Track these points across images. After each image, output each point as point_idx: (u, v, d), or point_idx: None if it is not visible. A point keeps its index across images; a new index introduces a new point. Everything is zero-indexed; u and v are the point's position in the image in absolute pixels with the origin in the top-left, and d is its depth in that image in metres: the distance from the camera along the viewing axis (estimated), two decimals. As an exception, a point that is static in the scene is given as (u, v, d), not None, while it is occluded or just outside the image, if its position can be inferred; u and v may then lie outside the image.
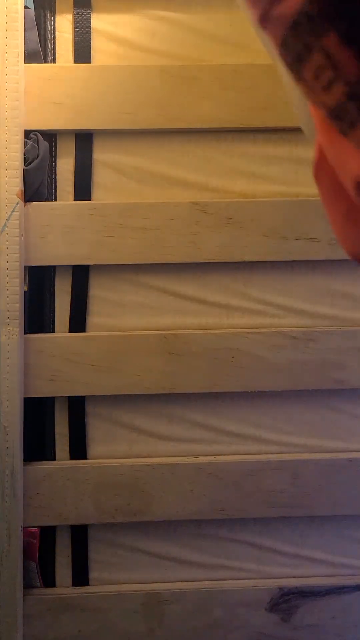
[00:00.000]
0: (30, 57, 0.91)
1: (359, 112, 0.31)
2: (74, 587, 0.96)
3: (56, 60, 0.93)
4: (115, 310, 0.95)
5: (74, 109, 0.91)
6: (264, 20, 0.33)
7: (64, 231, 0.91)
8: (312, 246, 0.93)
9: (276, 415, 0.98)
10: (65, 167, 0.94)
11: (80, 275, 0.94)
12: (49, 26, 0.92)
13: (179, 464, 0.95)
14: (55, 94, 0.90)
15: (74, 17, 0.92)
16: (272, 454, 0.98)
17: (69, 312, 0.95)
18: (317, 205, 0.93)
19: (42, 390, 0.93)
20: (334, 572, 1.00)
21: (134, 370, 0.93)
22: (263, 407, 0.98)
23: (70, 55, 0.93)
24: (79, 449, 0.96)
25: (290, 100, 0.50)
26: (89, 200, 0.94)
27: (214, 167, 0.95)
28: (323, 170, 0.39)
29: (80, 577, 0.97)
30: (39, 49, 0.92)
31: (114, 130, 0.92)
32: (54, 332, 0.95)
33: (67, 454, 0.96)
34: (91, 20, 0.92)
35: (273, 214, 0.93)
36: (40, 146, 0.90)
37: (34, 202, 0.91)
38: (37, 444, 0.96)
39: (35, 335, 0.93)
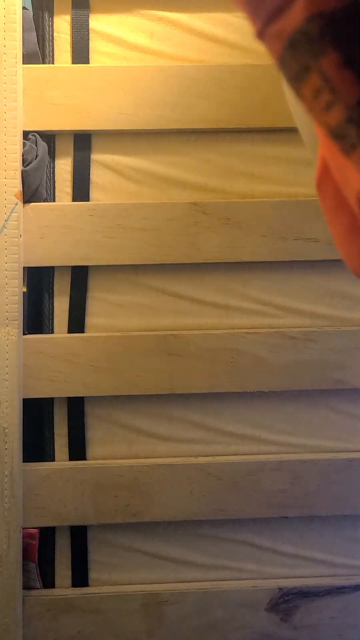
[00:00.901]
0: (29, 58, 0.91)
1: (359, 135, 0.31)
2: (73, 588, 0.96)
3: (54, 61, 0.93)
4: (114, 311, 0.95)
5: (72, 109, 0.91)
6: (262, 35, 0.33)
7: (62, 232, 0.91)
8: (311, 246, 0.93)
9: (275, 416, 0.98)
10: (64, 167, 0.94)
11: (79, 275, 0.94)
12: (47, 27, 0.93)
13: (178, 465, 0.95)
14: (54, 95, 0.90)
15: (72, 18, 0.92)
16: (271, 454, 0.98)
17: (67, 312, 0.95)
18: (316, 205, 0.93)
19: (42, 391, 0.93)
20: (333, 572, 1.00)
21: (133, 371, 0.93)
22: (262, 408, 0.98)
23: (68, 56, 0.93)
24: (78, 450, 0.96)
25: (293, 112, 0.49)
26: (88, 200, 0.94)
27: (213, 167, 0.95)
28: (326, 183, 0.39)
29: (80, 577, 0.97)
30: (37, 50, 0.92)
31: (112, 130, 0.92)
32: (53, 332, 0.95)
33: (67, 455, 0.96)
34: (89, 21, 0.92)
35: (272, 214, 0.93)
36: (39, 147, 0.90)
37: (33, 203, 0.91)
38: (36, 445, 0.96)
39: (34, 336, 0.93)
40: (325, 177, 0.38)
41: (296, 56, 0.31)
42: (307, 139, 0.45)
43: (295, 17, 0.30)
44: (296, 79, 0.32)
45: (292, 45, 0.31)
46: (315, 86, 0.31)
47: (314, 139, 0.41)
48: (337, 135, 0.31)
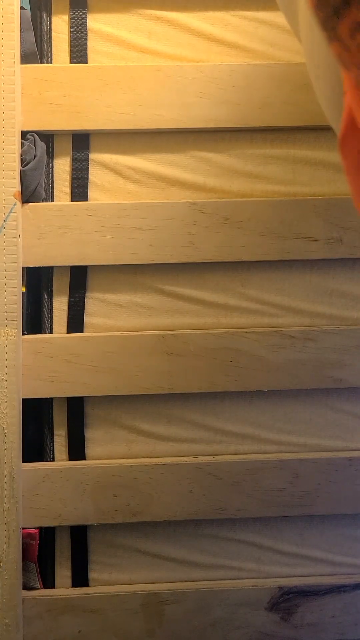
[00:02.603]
0: (27, 58, 0.91)
1: None
2: (73, 588, 0.96)
3: (52, 61, 0.93)
4: (113, 311, 0.95)
5: (71, 109, 0.91)
6: None
7: (61, 232, 0.91)
8: (310, 245, 0.93)
9: (275, 415, 0.98)
10: (62, 167, 0.94)
11: (78, 275, 0.94)
12: (45, 27, 0.92)
13: (178, 464, 0.95)
14: (52, 95, 0.90)
15: (70, 18, 0.92)
16: (271, 453, 0.98)
17: (66, 312, 0.95)
18: (315, 204, 0.93)
19: (41, 391, 0.93)
20: (334, 571, 1.00)
21: (132, 371, 0.93)
22: (262, 407, 0.98)
23: (66, 56, 0.93)
24: (77, 450, 0.96)
25: (315, 71, 0.46)
26: (86, 200, 0.94)
27: (212, 167, 0.95)
28: (350, 140, 0.37)
29: (80, 577, 0.97)
30: (36, 50, 0.92)
31: (110, 130, 0.92)
32: (52, 333, 0.95)
33: (66, 455, 0.96)
34: (87, 21, 0.92)
35: (271, 214, 0.93)
36: (37, 147, 0.90)
37: (31, 203, 0.91)
38: (36, 445, 0.96)
39: (34, 336, 0.93)
40: (350, 134, 0.36)
41: None
42: (330, 98, 0.43)
43: None
44: (334, 15, 0.29)
45: None
46: (356, 19, 0.29)
47: (339, 97, 0.39)
48: None
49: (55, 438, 0.96)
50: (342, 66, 0.32)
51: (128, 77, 0.91)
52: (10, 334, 0.89)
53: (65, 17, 0.92)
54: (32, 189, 0.90)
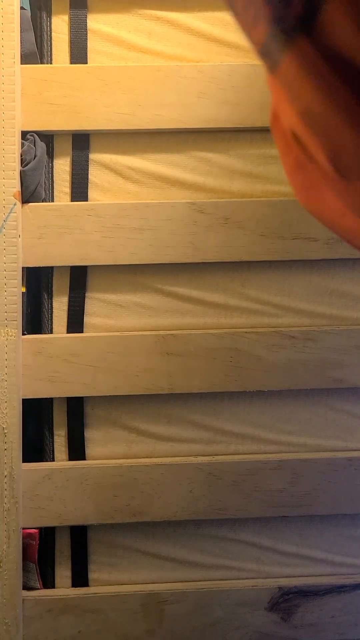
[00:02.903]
0: (27, 58, 0.91)
1: (279, 51, 0.29)
2: (73, 588, 0.96)
3: (52, 61, 0.93)
4: (113, 311, 0.95)
5: (71, 109, 0.91)
6: None
7: (61, 232, 0.91)
8: (310, 245, 0.93)
9: (275, 415, 0.98)
10: (62, 167, 0.94)
11: (78, 275, 0.94)
12: (45, 27, 0.92)
13: (178, 464, 0.95)
14: (52, 95, 0.90)
15: (70, 18, 0.92)
16: (271, 453, 0.98)
17: (66, 313, 0.95)
18: (315, 204, 0.93)
19: (41, 391, 0.93)
20: (333, 571, 1.00)
21: (132, 371, 0.93)
22: (262, 407, 0.98)
23: (66, 56, 0.93)
24: (77, 450, 0.96)
25: None
26: (86, 200, 0.94)
27: (211, 167, 0.95)
28: (277, 122, 0.39)
29: (80, 578, 0.97)
30: (36, 50, 0.92)
31: (110, 130, 0.92)
32: (52, 333, 0.95)
33: (66, 455, 0.96)
34: (87, 21, 0.92)
35: (271, 214, 0.93)
36: (37, 147, 0.90)
37: (31, 203, 0.91)
38: (36, 445, 0.96)
39: (34, 336, 0.93)
40: (276, 116, 0.38)
41: None
42: None
43: None
44: None
45: None
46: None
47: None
48: (264, 52, 0.30)
49: (55, 438, 0.96)
50: (251, 45, 0.32)
51: (128, 77, 0.91)
52: (10, 334, 0.89)
53: (65, 17, 0.92)
54: (32, 189, 0.90)
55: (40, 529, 0.95)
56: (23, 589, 0.93)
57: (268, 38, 0.29)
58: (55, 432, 0.96)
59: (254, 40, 0.30)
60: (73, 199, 0.94)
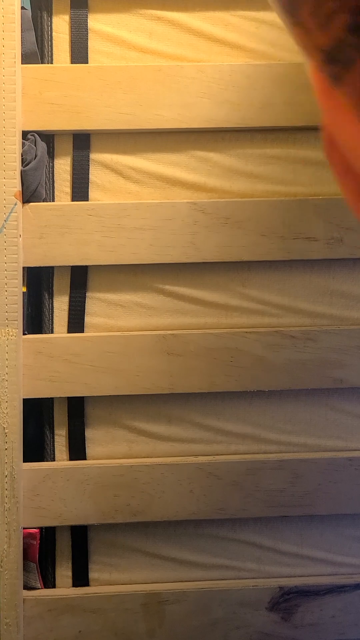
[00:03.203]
0: (28, 58, 0.91)
1: (356, 49, 0.25)
2: (74, 588, 0.96)
3: (53, 61, 0.93)
4: (113, 311, 0.95)
5: (71, 109, 0.91)
6: None
7: (62, 232, 0.91)
8: (311, 245, 0.93)
9: (275, 415, 0.98)
10: (63, 167, 0.94)
11: (79, 275, 0.94)
12: (45, 27, 0.92)
13: (178, 464, 0.95)
14: (53, 95, 0.90)
15: (71, 18, 0.92)
16: (271, 453, 0.98)
17: (67, 312, 0.95)
18: (316, 204, 0.93)
19: (41, 391, 0.93)
20: (334, 571, 1.00)
21: (132, 371, 0.93)
22: (262, 407, 0.98)
23: (67, 56, 0.93)
24: (78, 450, 0.96)
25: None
26: (87, 200, 0.94)
27: (212, 167, 0.95)
28: (332, 149, 0.35)
29: (80, 577, 0.97)
30: (36, 50, 0.92)
31: (111, 130, 0.92)
32: (52, 332, 0.95)
33: (67, 455, 0.96)
34: (88, 21, 0.92)
35: (271, 214, 0.93)
36: (38, 147, 0.90)
37: (32, 203, 0.91)
38: (36, 445, 0.96)
39: (34, 336, 0.93)
40: (331, 140, 0.34)
41: None
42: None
43: None
44: None
45: None
46: None
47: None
48: (332, 57, 0.26)
49: (56, 438, 0.96)
50: (307, 58, 0.29)
51: (128, 77, 0.91)
52: (10, 333, 0.89)
53: (66, 17, 0.92)
54: (33, 189, 0.90)
55: (40, 528, 0.95)
56: (24, 588, 0.93)
57: (346, 33, 0.25)
58: (56, 431, 0.96)
59: (320, 45, 0.27)
60: (74, 198, 0.94)
